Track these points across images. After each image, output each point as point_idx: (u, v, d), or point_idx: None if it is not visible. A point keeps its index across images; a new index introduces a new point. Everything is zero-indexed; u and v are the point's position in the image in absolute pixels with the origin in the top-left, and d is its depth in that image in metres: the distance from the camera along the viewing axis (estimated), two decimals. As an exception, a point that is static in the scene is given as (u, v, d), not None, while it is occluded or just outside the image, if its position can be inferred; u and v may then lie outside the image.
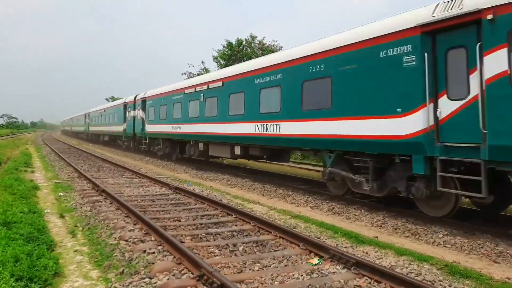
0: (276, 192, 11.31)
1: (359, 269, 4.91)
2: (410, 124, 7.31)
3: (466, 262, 5.69)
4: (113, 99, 63.37)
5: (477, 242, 6.48)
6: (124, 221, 7.28)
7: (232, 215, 7.89)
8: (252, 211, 8.57)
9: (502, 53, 6.10)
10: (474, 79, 6.53)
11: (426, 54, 7.11)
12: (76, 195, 10.20)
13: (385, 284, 4.54)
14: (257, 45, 32.96)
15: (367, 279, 4.71)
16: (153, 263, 5.03)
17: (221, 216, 7.97)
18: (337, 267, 5.10)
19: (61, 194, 10.24)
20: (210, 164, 17.42)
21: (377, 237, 6.87)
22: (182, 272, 4.78)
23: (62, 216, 7.90)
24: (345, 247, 6.10)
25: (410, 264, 5.44)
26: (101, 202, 9.13)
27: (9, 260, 4.67)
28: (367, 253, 5.91)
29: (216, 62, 33.76)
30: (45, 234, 6.27)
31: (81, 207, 8.70)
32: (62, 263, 5.30)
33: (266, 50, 31.53)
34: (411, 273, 5.00)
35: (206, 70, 34.37)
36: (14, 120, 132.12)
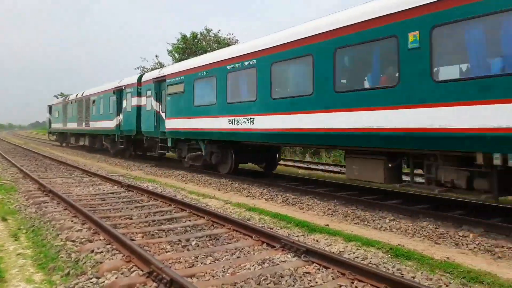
0: (232, 186, 11.32)
1: (309, 256, 5.03)
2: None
3: (409, 244, 5.99)
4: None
5: (420, 225, 6.86)
6: (72, 221, 6.99)
7: (186, 211, 7.82)
8: (207, 205, 8.53)
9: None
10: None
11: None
12: (20, 196, 9.65)
13: (332, 269, 4.68)
14: (212, 38, 32.57)
15: (316, 266, 4.84)
16: (101, 263, 4.88)
17: (174, 212, 7.87)
18: (288, 255, 5.20)
19: None
20: (165, 160, 17.14)
21: (328, 225, 7.07)
22: (131, 269, 4.67)
23: (4, 219, 7.45)
24: (297, 236, 6.22)
25: (357, 249, 5.65)
26: (47, 202, 8.70)
27: None
28: (317, 240, 6.07)
29: (171, 56, 33.07)
30: (-16, 239, 5.91)
31: (25, 209, 8.25)
32: (3, 267, 5.01)
33: (222, 43, 31.21)
34: (358, 257, 5.18)
35: (161, 64, 33.59)
36: None
